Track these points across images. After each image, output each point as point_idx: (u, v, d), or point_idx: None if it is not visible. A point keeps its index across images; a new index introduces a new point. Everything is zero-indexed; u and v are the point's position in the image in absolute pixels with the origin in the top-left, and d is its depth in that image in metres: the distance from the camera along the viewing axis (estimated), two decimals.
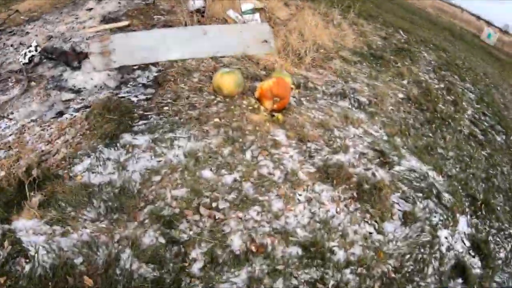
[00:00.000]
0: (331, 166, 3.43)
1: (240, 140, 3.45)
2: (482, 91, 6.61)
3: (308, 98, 4.39)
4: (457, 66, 7.17)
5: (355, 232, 3.09)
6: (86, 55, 4.49)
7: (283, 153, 3.46)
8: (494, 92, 6.91)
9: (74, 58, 4.48)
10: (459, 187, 3.99)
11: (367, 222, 3.19)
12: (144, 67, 4.41)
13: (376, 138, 4.02)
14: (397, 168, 3.75)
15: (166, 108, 3.77)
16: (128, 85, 4.16)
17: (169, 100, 3.88)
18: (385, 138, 4.11)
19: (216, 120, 3.62)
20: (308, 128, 3.82)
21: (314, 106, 4.24)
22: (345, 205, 3.25)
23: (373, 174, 3.57)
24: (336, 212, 3.16)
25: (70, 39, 4.91)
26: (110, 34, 4.83)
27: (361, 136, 3.95)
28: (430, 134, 4.64)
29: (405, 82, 5.66)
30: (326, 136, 3.77)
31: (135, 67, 4.38)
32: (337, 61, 5.45)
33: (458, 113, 5.45)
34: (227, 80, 3.88)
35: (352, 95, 4.65)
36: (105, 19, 5.41)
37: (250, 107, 3.83)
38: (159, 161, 3.20)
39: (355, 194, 3.34)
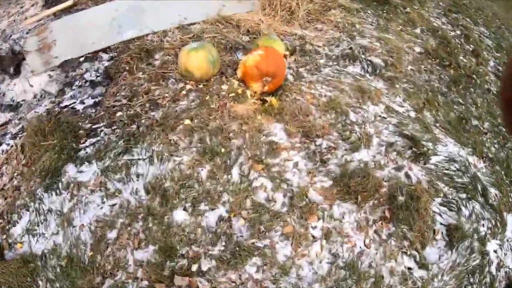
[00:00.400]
0: (352, 173, 2.19)
1: (223, 150, 2.11)
2: (497, 35, 5.12)
3: (308, 67, 2.98)
4: (466, 7, 5.56)
5: (392, 272, 1.93)
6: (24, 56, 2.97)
7: (284, 161, 2.17)
8: (508, 35, 5.47)
9: (10, 62, 2.93)
10: (502, 173, 2.86)
11: (406, 252, 2.01)
12: (93, 56, 2.85)
13: (402, 117, 2.75)
14: (433, 159, 2.54)
15: (119, 113, 2.34)
16: (73, 87, 2.67)
17: (123, 101, 2.42)
18: (412, 114, 2.84)
19: (187, 122, 2.23)
20: (314, 114, 2.49)
21: (318, 78, 2.86)
22: (376, 232, 2.06)
23: (407, 175, 2.37)
24: (365, 246, 1.99)
25: (10, 36, 3.28)
26: (52, 21, 3.24)
27: (383, 117, 2.65)
28: (460, 100, 3.36)
29: (418, 31, 4.17)
30: (340, 124, 2.46)
31: (81, 59, 2.84)
32: (337, 11, 3.89)
33: (481, 65, 4.07)
34: (197, 59, 2.38)
35: (362, 56, 3.23)
36: (48, 2, 3.65)
37: (232, 94, 2.39)
38: (113, 205, 1.92)
39: (387, 213, 2.14)
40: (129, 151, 2.13)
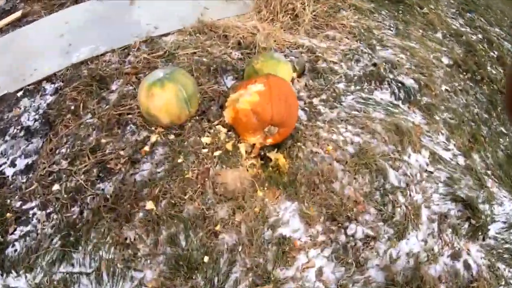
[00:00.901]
0: (401, 279, 1.35)
1: (206, 258, 1.14)
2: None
3: (324, 95, 1.92)
4: (475, 4, 4.57)
5: None
6: None
7: (302, 270, 1.21)
8: None
9: None
10: None
11: None
12: (34, 88, 1.78)
13: (451, 167, 1.79)
14: (492, 230, 1.60)
15: (56, 187, 1.35)
16: (6, 136, 1.63)
17: (62, 164, 1.41)
18: (461, 161, 1.89)
19: (150, 206, 1.23)
20: (341, 178, 1.44)
21: (339, 113, 1.76)
22: None
23: (466, 264, 1.47)
24: None
25: None
26: None
27: (430, 172, 1.66)
28: (503, 128, 2.41)
29: (439, 35, 3.13)
30: (378, 193, 1.45)
31: (20, 93, 1.78)
32: (349, 13, 2.80)
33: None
34: (162, 99, 1.34)
35: (390, 75, 2.22)
36: None
37: (218, 152, 1.39)
38: None
39: None
40: (68, 258, 1.17)
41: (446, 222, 1.53)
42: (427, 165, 1.68)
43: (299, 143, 1.53)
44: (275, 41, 2.19)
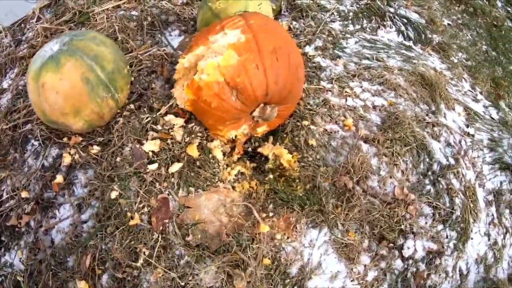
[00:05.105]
0: None
1: None
2: None
3: (319, 43, 1.30)
4: None
5: None
6: None
7: None
8: None
9: None
10: None
11: None
12: None
13: (488, 125, 1.35)
14: None
15: None
16: None
17: None
18: (493, 113, 1.43)
19: (81, 286, 0.69)
20: (377, 171, 0.94)
21: (346, 66, 1.22)
22: None
23: None
24: None
25: None
26: None
27: (471, 135, 1.24)
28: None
29: None
30: (427, 181, 1.00)
31: None
32: None
33: (493, 6, 3.01)
34: (62, 91, 0.67)
35: (390, 10, 1.65)
36: None
37: (176, 165, 0.77)
38: None
39: None
40: None
41: (502, 201, 1.23)
42: (467, 126, 1.34)
43: (304, 121, 1.01)
44: None
